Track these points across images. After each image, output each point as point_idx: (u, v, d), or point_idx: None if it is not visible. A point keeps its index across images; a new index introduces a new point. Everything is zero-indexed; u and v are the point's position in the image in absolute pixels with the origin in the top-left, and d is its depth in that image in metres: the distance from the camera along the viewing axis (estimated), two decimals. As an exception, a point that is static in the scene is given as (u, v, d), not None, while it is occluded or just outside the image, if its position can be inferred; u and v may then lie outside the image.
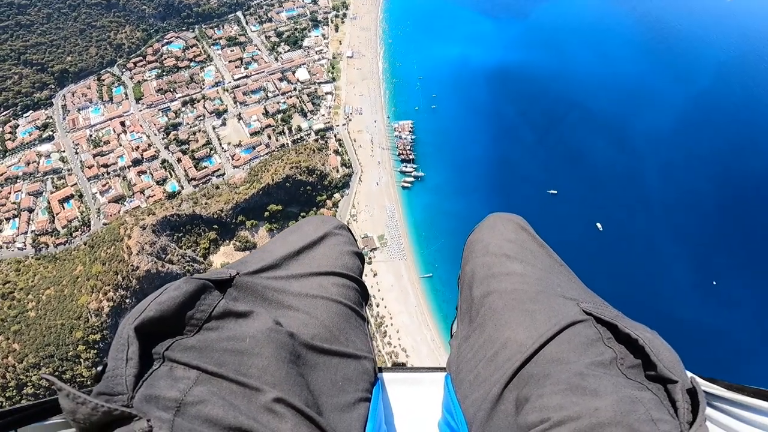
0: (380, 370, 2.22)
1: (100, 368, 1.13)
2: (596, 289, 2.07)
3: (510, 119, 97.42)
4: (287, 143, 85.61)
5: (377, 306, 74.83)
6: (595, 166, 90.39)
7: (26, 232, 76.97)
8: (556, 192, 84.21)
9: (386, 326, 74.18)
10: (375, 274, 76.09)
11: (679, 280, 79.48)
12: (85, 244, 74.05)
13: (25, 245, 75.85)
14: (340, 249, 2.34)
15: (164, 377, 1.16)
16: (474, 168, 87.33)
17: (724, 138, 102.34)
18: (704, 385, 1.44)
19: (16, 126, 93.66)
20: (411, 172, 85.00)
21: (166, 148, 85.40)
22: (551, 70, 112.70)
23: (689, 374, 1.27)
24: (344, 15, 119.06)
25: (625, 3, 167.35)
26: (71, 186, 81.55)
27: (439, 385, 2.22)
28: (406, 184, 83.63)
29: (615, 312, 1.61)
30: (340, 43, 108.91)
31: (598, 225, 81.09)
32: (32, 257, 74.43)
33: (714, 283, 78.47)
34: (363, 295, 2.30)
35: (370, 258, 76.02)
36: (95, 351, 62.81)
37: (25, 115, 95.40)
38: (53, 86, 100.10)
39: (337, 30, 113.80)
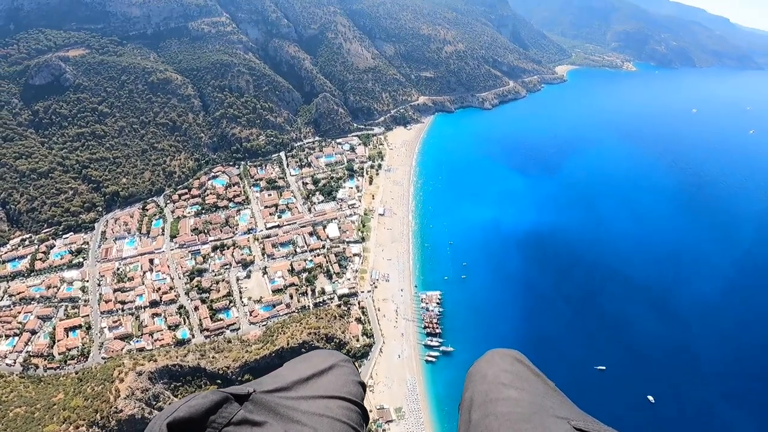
0: None
1: None
2: None
3: (545, 292, 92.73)
4: (309, 305, 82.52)
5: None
6: (641, 339, 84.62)
7: (21, 351, 75.87)
8: (604, 368, 78.07)
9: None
10: (390, 447, 67.23)
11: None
12: (75, 374, 72.01)
13: (15, 363, 74.51)
14: (345, 378, 2.82)
15: None
16: (508, 344, 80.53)
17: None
18: None
19: (52, 246, 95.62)
20: (437, 346, 79.35)
21: (187, 294, 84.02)
22: (585, 234, 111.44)
23: None
24: (379, 166, 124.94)
25: (652, 150, 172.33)
26: (82, 317, 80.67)
27: None
28: (430, 358, 77.87)
29: (607, 429, 1.83)
30: (373, 198, 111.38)
31: (650, 397, 74.38)
32: (17, 374, 72.60)
33: None
34: (364, 417, 2.69)
35: (384, 431, 68.79)
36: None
37: (65, 236, 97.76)
38: (101, 209, 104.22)
39: (371, 182, 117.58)
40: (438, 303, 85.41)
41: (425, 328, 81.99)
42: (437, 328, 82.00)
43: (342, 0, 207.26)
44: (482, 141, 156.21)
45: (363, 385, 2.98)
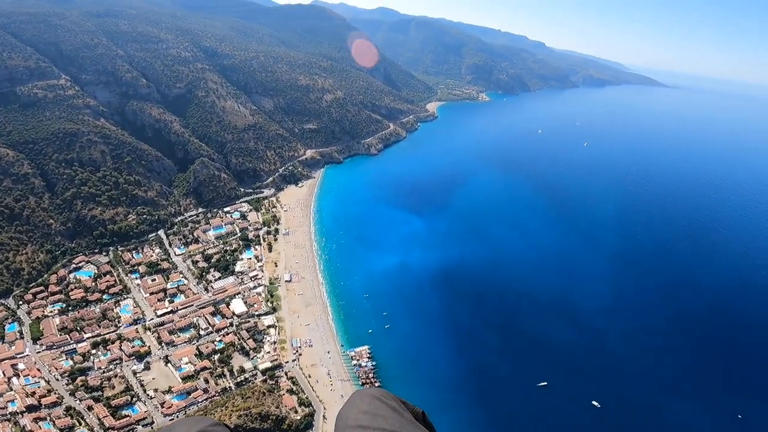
0: None
1: None
2: None
3: (467, 324, 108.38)
4: (230, 387, 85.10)
5: None
6: (567, 350, 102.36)
7: None
8: (546, 384, 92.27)
9: None
10: None
11: (695, 423, 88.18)
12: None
13: None
14: None
15: None
16: (450, 383, 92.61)
17: (656, 284, 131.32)
18: None
19: None
20: None
21: (72, 394, 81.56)
22: (486, 262, 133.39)
23: None
24: (276, 231, 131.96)
25: (517, 174, 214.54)
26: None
27: None
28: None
29: None
30: (276, 266, 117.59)
31: (595, 403, 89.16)
32: None
33: (739, 416, 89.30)
34: None
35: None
36: None
37: None
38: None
39: (270, 249, 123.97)
40: (369, 357, 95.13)
41: (363, 384, 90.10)
42: (375, 381, 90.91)
43: (211, 56, 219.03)
44: (375, 188, 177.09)
45: None
